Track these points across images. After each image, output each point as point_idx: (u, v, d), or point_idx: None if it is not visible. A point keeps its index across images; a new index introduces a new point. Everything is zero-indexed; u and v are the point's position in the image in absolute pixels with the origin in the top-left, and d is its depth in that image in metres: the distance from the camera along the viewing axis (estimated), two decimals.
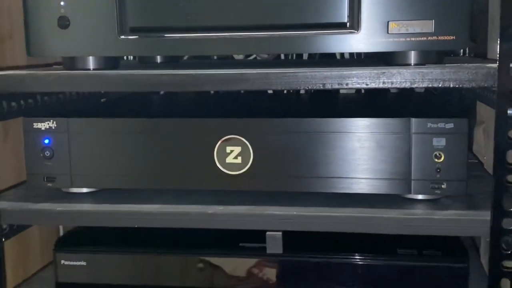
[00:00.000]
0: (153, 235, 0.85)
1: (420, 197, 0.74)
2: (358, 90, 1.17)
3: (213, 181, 0.75)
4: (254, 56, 1.14)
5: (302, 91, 1.16)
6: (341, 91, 1.16)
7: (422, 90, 1.15)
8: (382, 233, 0.70)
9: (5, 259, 0.81)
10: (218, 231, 0.77)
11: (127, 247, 0.83)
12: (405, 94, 1.11)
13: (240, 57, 1.15)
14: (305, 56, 1.14)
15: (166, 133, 0.75)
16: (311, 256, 0.76)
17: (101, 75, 0.74)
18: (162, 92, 1.16)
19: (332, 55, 1.11)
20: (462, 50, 1.10)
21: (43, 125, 0.77)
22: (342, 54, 1.12)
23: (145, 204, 0.76)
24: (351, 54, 1.12)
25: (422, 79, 0.66)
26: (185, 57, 1.13)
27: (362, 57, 1.12)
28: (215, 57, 1.16)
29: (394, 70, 0.67)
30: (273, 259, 0.77)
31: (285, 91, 1.16)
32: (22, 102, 0.89)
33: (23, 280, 0.92)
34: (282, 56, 1.14)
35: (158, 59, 1.03)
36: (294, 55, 1.15)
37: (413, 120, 0.70)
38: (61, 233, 1.07)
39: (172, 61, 1.03)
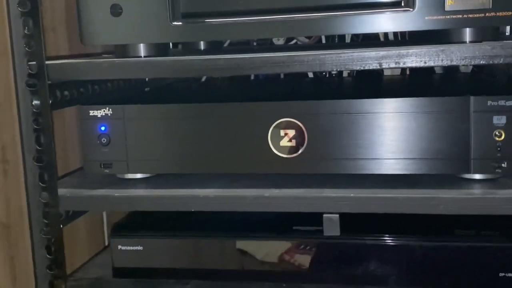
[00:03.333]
0: (207, 219, 0.85)
1: (478, 176, 0.73)
2: (402, 72, 1.15)
3: (268, 164, 0.75)
4: (294, 41, 1.13)
5: (345, 74, 1.15)
6: (385, 73, 1.15)
7: (469, 71, 1.13)
8: (442, 213, 0.70)
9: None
10: (271, 215, 0.78)
11: (182, 231, 0.84)
12: (450, 75, 1.09)
13: (281, 42, 1.14)
14: (347, 39, 1.12)
15: (220, 117, 0.76)
16: (368, 238, 0.76)
17: (156, 62, 0.74)
18: (203, 79, 1.16)
19: (375, 36, 1.10)
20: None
21: (99, 112, 0.78)
22: (385, 35, 1.11)
23: (200, 189, 0.77)
24: (394, 34, 1.10)
25: (483, 55, 0.65)
26: (226, 44, 1.13)
27: (407, 38, 1.10)
28: (254, 44, 1.15)
29: (453, 47, 0.66)
30: (330, 242, 0.77)
31: (326, 75, 1.15)
32: (74, 91, 0.90)
33: (80, 265, 0.94)
34: (323, 40, 1.13)
35: (202, 45, 1.03)
36: (336, 38, 1.14)
37: (472, 98, 0.69)
38: (105, 224, 1.08)
39: (215, 48, 1.03)
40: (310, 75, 1.15)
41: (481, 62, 0.66)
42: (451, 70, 1.13)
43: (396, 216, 0.72)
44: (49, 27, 0.94)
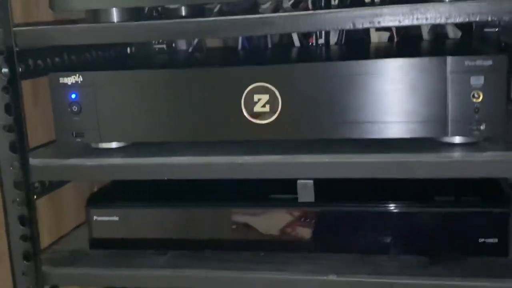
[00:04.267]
0: (184, 189, 0.84)
1: (457, 140, 0.71)
2: (389, 39, 1.12)
3: (241, 131, 0.73)
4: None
5: (332, 42, 1.12)
6: (372, 41, 1.12)
7: (458, 37, 1.10)
8: (419, 177, 0.68)
9: (38, 219, 0.81)
10: (247, 184, 0.76)
11: (159, 201, 0.83)
12: (437, 41, 1.06)
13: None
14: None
15: (193, 83, 0.74)
16: (345, 205, 0.74)
17: (125, 26, 0.72)
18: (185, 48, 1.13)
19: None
20: None
21: (69, 80, 0.76)
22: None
23: (174, 157, 0.75)
24: None
25: (459, 13, 0.63)
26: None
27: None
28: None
29: (429, 5, 0.64)
30: (305, 209, 0.75)
31: (312, 44, 1.13)
32: (48, 60, 0.88)
33: (59, 238, 0.93)
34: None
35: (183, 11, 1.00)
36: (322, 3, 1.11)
37: (449, 58, 0.67)
38: None
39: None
40: (297, 43, 1.12)
41: (458, 20, 0.63)
42: (440, 37, 1.10)
43: (373, 182, 0.70)
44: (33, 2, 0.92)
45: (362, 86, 0.69)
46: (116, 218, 0.82)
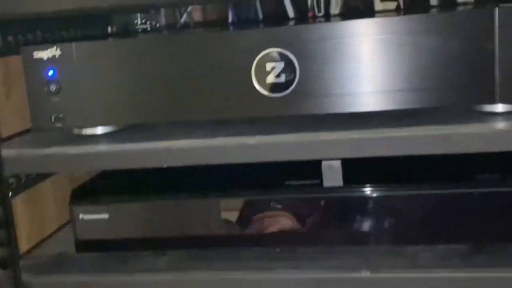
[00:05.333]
0: (186, 178, 0.73)
1: (501, 108, 0.61)
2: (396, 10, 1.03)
3: (253, 106, 0.63)
4: None
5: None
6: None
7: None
8: (462, 152, 0.58)
9: (15, 219, 0.70)
10: (260, 170, 0.66)
11: (156, 193, 0.71)
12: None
13: None
14: None
15: (192, 52, 0.62)
16: (376, 188, 0.64)
17: None
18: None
19: None
20: None
21: (45, 54, 0.64)
22: None
23: (173, 140, 0.64)
24: None
25: None
26: None
27: None
28: None
29: None
30: (331, 195, 0.64)
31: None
32: (20, 36, 0.76)
33: (39, 241, 0.81)
34: None
35: None
36: None
37: (497, 9, 0.56)
38: None
39: None
40: (291, 14, 1.00)
41: None
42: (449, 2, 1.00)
43: (402, 162, 0.60)
44: None
45: (392, 47, 0.59)
46: (105, 216, 0.71)
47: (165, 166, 0.63)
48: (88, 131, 0.69)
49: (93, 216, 0.71)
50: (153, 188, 0.73)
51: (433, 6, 1.00)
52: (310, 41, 0.60)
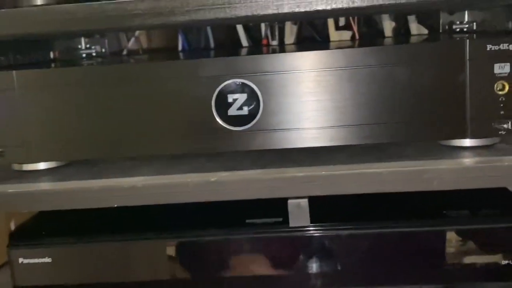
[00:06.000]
0: (137, 218, 0.67)
1: (471, 143, 0.59)
2: (351, 39, 1.01)
3: (213, 141, 0.58)
4: None
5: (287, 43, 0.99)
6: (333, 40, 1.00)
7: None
8: (437, 189, 0.55)
9: None
10: (217, 208, 0.61)
11: (103, 235, 0.65)
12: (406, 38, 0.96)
13: None
14: None
15: (147, 81, 0.57)
16: (345, 227, 0.60)
17: (52, 9, 0.55)
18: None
19: None
20: None
21: None
22: None
23: (125, 178, 0.58)
24: None
25: None
26: None
27: None
28: None
29: None
30: (298, 234, 0.60)
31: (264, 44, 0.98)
32: None
33: None
34: None
35: None
36: None
37: (467, 42, 0.55)
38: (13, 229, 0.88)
39: None
40: (244, 43, 0.97)
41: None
42: (403, 34, 1.00)
43: (369, 200, 0.57)
44: None
45: (364, 79, 0.56)
46: (48, 260, 0.64)
47: (115, 206, 0.57)
48: (29, 166, 0.62)
49: (34, 260, 0.64)
50: (100, 229, 0.67)
51: (387, 37, 0.99)
52: (274, 72, 0.56)
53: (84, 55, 0.97)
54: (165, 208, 0.61)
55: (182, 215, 0.67)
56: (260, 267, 0.61)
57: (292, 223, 0.57)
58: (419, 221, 0.62)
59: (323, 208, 0.60)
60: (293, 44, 0.96)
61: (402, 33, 0.96)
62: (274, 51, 0.66)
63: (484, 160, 0.55)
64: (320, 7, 0.53)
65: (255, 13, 0.53)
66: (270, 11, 0.53)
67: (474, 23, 0.82)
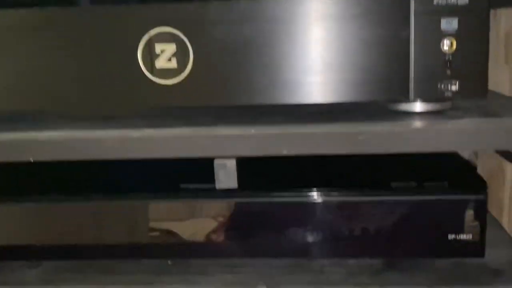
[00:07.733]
0: (62, 178, 0.64)
1: (419, 108, 0.55)
2: None
3: (139, 95, 0.54)
4: None
5: None
6: None
7: None
8: (372, 152, 0.51)
9: None
10: (148, 169, 0.57)
11: (27, 195, 0.61)
12: None
13: None
14: None
15: (66, 28, 0.53)
16: (277, 194, 0.56)
17: None
18: None
19: None
20: None
21: None
22: None
23: (43, 131, 0.55)
24: None
25: None
26: None
27: None
28: None
29: None
30: (224, 199, 0.56)
31: None
32: None
33: None
34: None
35: None
36: None
37: None
38: None
39: None
40: None
41: None
42: None
43: (312, 164, 0.53)
44: None
45: (302, 33, 0.52)
46: None
47: (31, 160, 0.53)
48: None
49: None
50: (23, 188, 0.63)
51: None
52: (206, 21, 0.52)
53: None
54: (93, 168, 0.57)
55: (113, 178, 0.63)
56: (188, 232, 0.57)
57: (218, 185, 0.53)
58: (361, 191, 0.57)
59: (254, 171, 0.56)
60: None
61: None
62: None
63: (426, 124, 0.51)
64: None
65: None
66: None
67: None
